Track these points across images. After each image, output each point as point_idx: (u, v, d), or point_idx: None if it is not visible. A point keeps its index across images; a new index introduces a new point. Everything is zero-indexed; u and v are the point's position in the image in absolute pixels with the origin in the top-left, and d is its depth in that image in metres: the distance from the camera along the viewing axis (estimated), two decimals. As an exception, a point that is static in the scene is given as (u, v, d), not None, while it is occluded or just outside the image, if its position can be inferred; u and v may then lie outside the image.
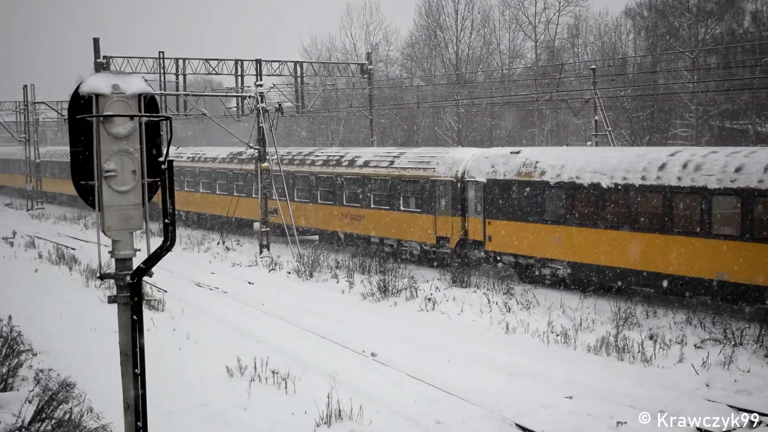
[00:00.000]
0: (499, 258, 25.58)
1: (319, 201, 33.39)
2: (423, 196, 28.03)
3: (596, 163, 22.65)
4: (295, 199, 34.13)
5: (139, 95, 7.01)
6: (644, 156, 22.01)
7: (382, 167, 30.09)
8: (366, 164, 31.07)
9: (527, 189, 24.17)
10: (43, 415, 10.47)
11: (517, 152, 25.50)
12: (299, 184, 34.72)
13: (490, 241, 25.49)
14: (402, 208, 29.06)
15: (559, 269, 23.54)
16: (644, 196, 21.21)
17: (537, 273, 24.28)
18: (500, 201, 25.06)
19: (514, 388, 14.71)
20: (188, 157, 44.75)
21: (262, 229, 32.88)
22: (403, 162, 29.40)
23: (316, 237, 34.83)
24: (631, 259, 21.44)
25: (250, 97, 34.96)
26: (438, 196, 27.42)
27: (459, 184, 26.61)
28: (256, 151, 33.34)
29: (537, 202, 23.94)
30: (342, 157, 32.96)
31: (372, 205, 30.40)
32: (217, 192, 41.07)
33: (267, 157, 32.91)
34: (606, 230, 22.09)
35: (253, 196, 35.98)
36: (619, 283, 22.18)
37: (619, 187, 21.61)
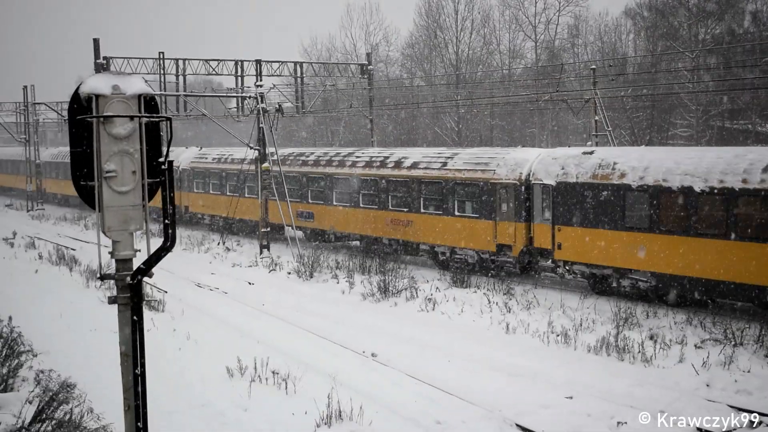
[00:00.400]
0: (569, 268, 23.54)
1: (360, 205, 31.11)
2: (481, 200, 25.95)
3: (687, 165, 20.63)
4: (334, 203, 32.44)
5: (139, 96, 7.02)
6: (743, 156, 20.02)
7: (434, 169, 27.99)
8: (415, 166, 28.91)
9: (604, 193, 22.14)
10: (44, 415, 10.47)
11: (591, 152, 23.61)
12: (338, 187, 32.41)
13: (559, 249, 23.47)
14: (457, 213, 26.90)
15: (641, 280, 21.49)
16: (746, 201, 19.20)
17: (614, 284, 22.33)
18: (572, 206, 23.05)
19: (514, 388, 14.72)
20: (213, 158, 42.44)
21: (262, 229, 32.88)
22: (457, 163, 27.25)
23: (357, 243, 33.08)
24: (728, 271, 19.48)
25: (250, 97, 34.95)
26: (499, 200, 25.34)
27: (523, 188, 24.53)
28: (256, 151, 33.34)
29: (616, 207, 21.90)
30: (387, 158, 30.85)
31: (422, 210, 28.30)
32: (246, 195, 38.23)
33: (301, 157, 32.18)
34: (699, 238, 20.01)
35: (288, 199, 33.98)
36: (714, 297, 20.49)
37: (715, 191, 19.60)
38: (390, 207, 29.70)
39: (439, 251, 27.93)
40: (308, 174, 34.24)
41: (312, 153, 36.00)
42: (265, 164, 33.10)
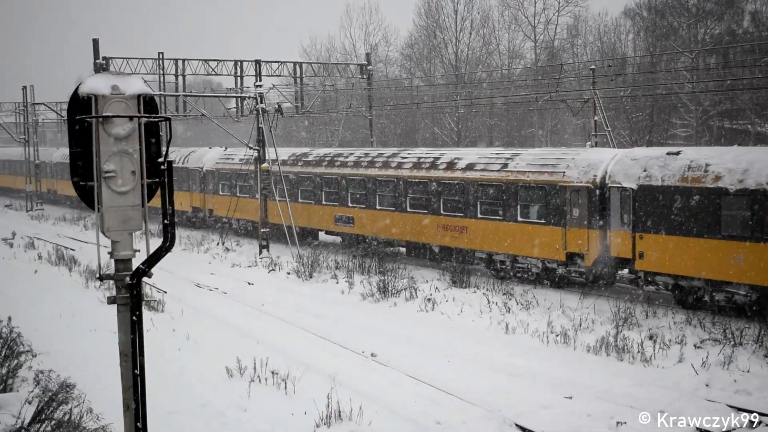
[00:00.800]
0: (651, 279, 21.69)
1: (408, 209, 28.97)
2: (548, 204, 23.93)
3: None
4: (377, 207, 30.43)
5: (139, 96, 7.02)
6: None
7: (492, 171, 25.95)
8: (470, 167, 26.84)
9: (696, 197, 20.31)
10: (43, 416, 10.47)
11: (677, 153, 21.65)
12: (382, 190, 30.26)
13: (641, 258, 21.51)
14: (519, 219, 24.85)
15: (738, 294, 19.74)
16: None
17: (706, 298, 20.50)
18: (657, 211, 21.16)
19: (514, 389, 14.72)
20: (241, 159, 39.73)
21: (262, 230, 32.88)
22: (519, 165, 25.27)
23: (402, 250, 31.02)
24: None
25: (249, 97, 34.95)
26: (569, 204, 23.33)
27: (598, 191, 22.62)
28: (256, 152, 33.34)
29: (709, 213, 20.08)
30: (437, 159, 28.81)
31: (479, 215, 26.19)
32: (279, 198, 35.44)
33: (339, 158, 30.74)
34: None
35: (323, 203, 32.79)
36: None
37: None
38: (442, 212, 27.64)
39: (498, 260, 26.05)
40: (347, 176, 32.03)
41: (351, 154, 33.70)
42: (264, 164, 33.09)
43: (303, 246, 31.80)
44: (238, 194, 38.95)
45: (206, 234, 39.99)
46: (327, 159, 34.11)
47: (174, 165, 37.75)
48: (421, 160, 29.39)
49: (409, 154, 30.72)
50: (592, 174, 23.07)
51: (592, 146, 34.92)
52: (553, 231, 23.76)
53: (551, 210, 23.91)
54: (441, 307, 21.32)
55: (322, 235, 36.02)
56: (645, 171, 21.77)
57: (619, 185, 22.19)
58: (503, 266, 25.83)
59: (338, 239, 34.99)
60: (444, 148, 35.30)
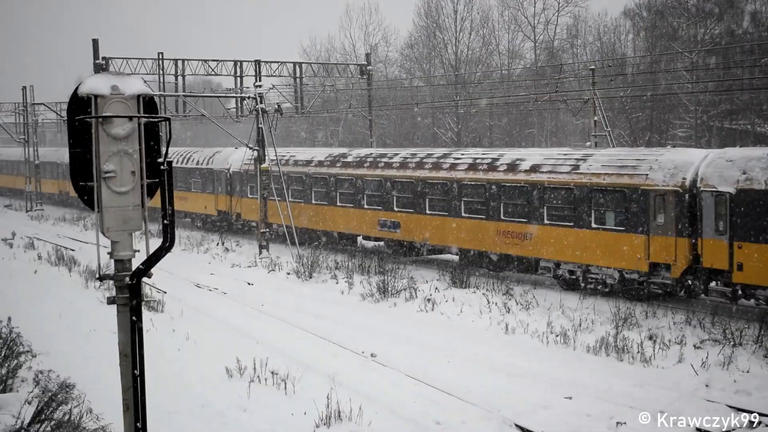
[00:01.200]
0: (751, 293, 19.77)
1: (462, 214, 26.99)
2: (628, 209, 21.94)
3: None
4: (427, 212, 28.45)
5: (138, 96, 7.02)
6: None
7: (562, 173, 23.95)
8: (535, 169, 24.83)
9: None
10: (43, 416, 10.47)
11: None
12: (432, 193, 28.31)
13: (740, 270, 19.51)
14: (594, 225, 22.86)
15: None
16: None
17: None
18: (760, 218, 19.30)
19: (513, 389, 14.72)
20: (271, 160, 36.27)
21: (262, 230, 32.87)
22: (593, 166, 23.37)
23: (455, 257, 29.02)
24: None
25: (249, 98, 34.94)
26: (653, 210, 21.35)
27: (687, 196, 20.72)
28: (256, 152, 33.33)
29: None
30: (496, 160, 26.71)
31: (545, 221, 24.19)
32: (314, 201, 34.27)
33: (383, 159, 29.29)
34: None
35: (365, 207, 31.00)
36: None
37: None
38: (502, 217, 25.53)
39: (566, 269, 24.09)
40: (393, 178, 29.96)
41: (396, 154, 31.60)
42: (264, 165, 33.09)
43: (343, 252, 30.31)
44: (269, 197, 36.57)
45: (206, 234, 39.99)
46: (369, 160, 32.13)
47: (198, 166, 36.84)
48: (478, 161, 27.33)
49: (462, 154, 28.72)
50: (680, 177, 21.08)
51: (592, 146, 34.95)
52: (634, 239, 21.77)
53: (631, 216, 21.90)
54: (441, 308, 21.32)
55: (361, 241, 34.15)
56: (744, 173, 19.81)
57: (713, 189, 20.15)
58: (572, 276, 23.96)
59: (373, 245, 33.22)
60: (503, 148, 33.06)
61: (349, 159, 33.06)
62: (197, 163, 43.29)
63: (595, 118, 38.34)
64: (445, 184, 27.76)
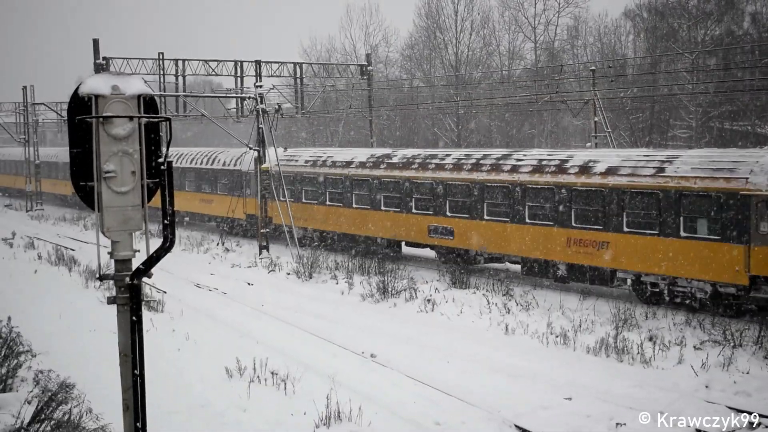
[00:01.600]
0: None
1: (526, 221, 24.92)
2: (724, 216, 20.02)
3: None
4: (485, 218, 26.29)
5: (139, 96, 7.02)
6: None
7: (644, 176, 21.90)
8: (612, 172, 22.79)
9: None
10: (42, 416, 10.47)
11: None
12: (491, 198, 26.22)
13: None
14: (683, 234, 20.86)
15: None
16: None
17: None
18: None
19: (513, 389, 14.72)
20: (307, 161, 35.57)
21: (262, 230, 32.88)
22: (681, 169, 21.33)
23: (513, 266, 27.42)
24: None
25: (249, 98, 34.96)
26: (755, 217, 19.43)
27: None
28: (256, 152, 33.34)
29: None
30: (565, 162, 24.53)
31: (625, 228, 22.13)
32: (355, 205, 32.20)
33: (434, 161, 28.00)
34: None
35: (413, 211, 29.07)
36: None
37: None
38: (573, 224, 23.60)
39: (648, 281, 21.97)
40: (446, 181, 27.81)
41: (448, 155, 29.42)
42: (265, 165, 33.09)
43: (382, 259, 28.29)
44: (303, 200, 35.01)
45: (206, 234, 39.98)
46: (417, 161, 29.90)
47: (225, 167, 36.16)
48: (544, 162, 25.20)
49: (525, 155, 26.48)
50: None
51: (592, 147, 34.95)
52: (732, 249, 19.82)
53: (728, 224, 19.98)
54: (441, 308, 21.32)
55: (405, 249, 32.20)
56: None
57: None
58: (655, 290, 21.93)
59: (426, 252, 31.39)
60: (570, 149, 30.85)
61: (395, 160, 31.05)
62: (224, 164, 41.09)
63: (596, 119, 38.35)
64: (507, 188, 25.68)
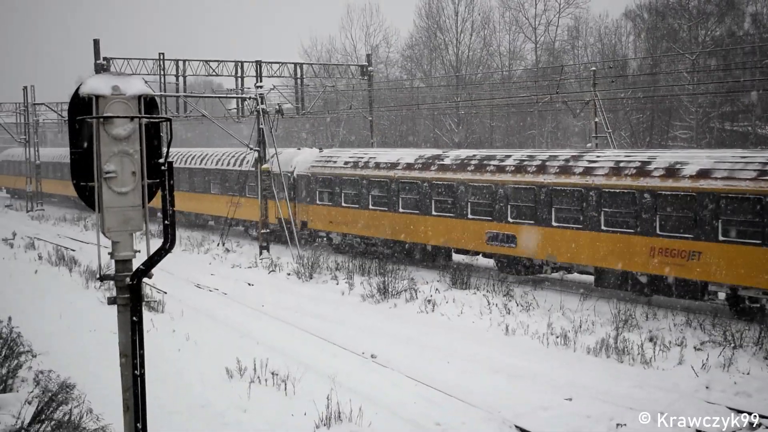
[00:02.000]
0: None
1: (602, 227, 22.86)
2: None
3: None
4: (553, 224, 24.27)
5: (139, 96, 7.03)
6: None
7: (744, 179, 19.75)
8: (704, 175, 20.60)
9: None
10: (43, 416, 10.47)
11: None
12: (560, 202, 24.13)
13: None
14: None
15: None
16: None
17: None
18: None
19: (513, 390, 14.71)
20: (346, 162, 33.44)
21: (262, 231, 32.88)
22: None
23: (583, 277, 25.75)
24: None
25: (250, 98, 34.95)
26: None
27: None
28: (256, 152, 33.33)
29: None
30: (647, 163, 22.37)
31: (720, 237, 20.03)
32: (401, 210, 30.01)
33: (491, 162, 26.33)
34: None
35: (469, 217, 27.00)
36: None
37: None
38: (657, 232, 21.48)
39: (746, 295, 20.08)
40: (507, 184, 25.68)
41: (508, 156, 27.08)
42: (265, 165, 33.10)
43: (431, 268, 27.50)
44: (343, 204, 32.86)
45: (206, 235, 39.98)
46: (473, 163, 27.60)
47: (254, 169, 32.28)
48: (621, 164, 23.05)
49: (598, 157, 24.37)
50: None
51: (592, 147, 34.94)
52: None
53: None
54: (441, 309, 21.32)
55: (456, 257, 30.00)
56: None
57: None
58: (756, 305, 19.99)
59: (484, 261, 29.16)
60: (652, 150, 27.73)
61: (447, 162, 28.79)
62: (253, 166, 38.50)
63: (596, 120, 38.37)
64: (579, 192, 23.61)
